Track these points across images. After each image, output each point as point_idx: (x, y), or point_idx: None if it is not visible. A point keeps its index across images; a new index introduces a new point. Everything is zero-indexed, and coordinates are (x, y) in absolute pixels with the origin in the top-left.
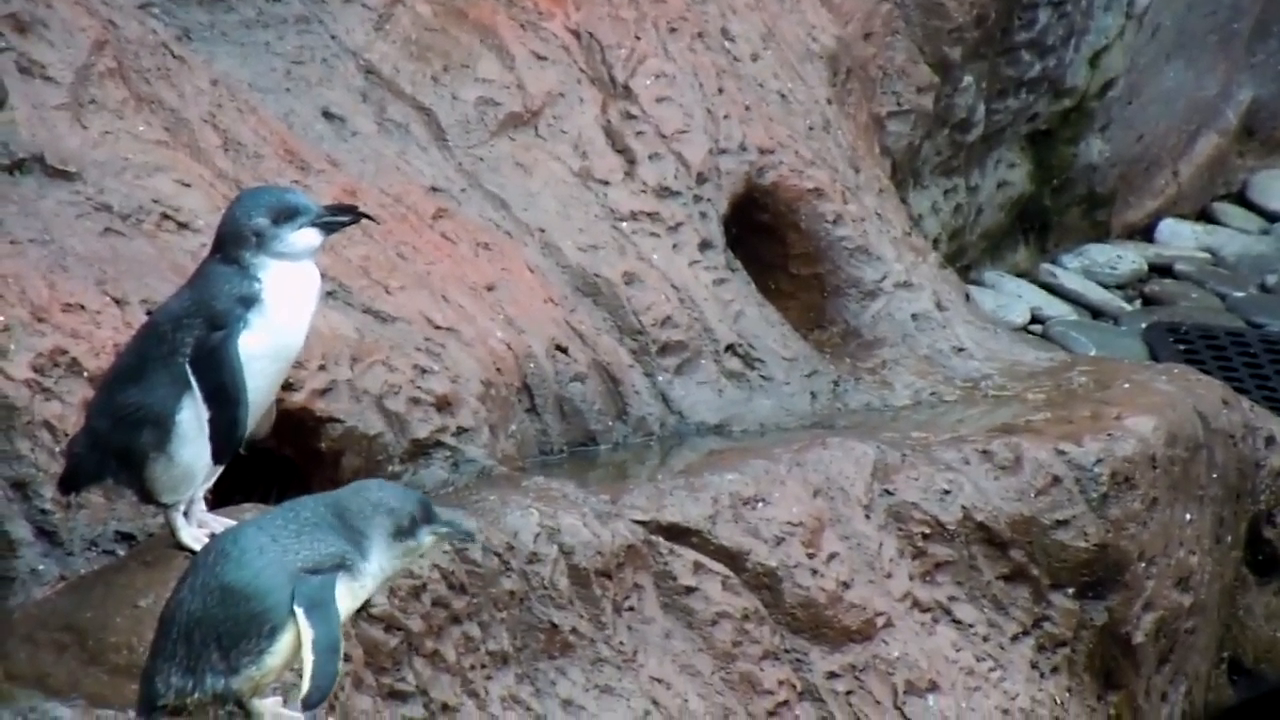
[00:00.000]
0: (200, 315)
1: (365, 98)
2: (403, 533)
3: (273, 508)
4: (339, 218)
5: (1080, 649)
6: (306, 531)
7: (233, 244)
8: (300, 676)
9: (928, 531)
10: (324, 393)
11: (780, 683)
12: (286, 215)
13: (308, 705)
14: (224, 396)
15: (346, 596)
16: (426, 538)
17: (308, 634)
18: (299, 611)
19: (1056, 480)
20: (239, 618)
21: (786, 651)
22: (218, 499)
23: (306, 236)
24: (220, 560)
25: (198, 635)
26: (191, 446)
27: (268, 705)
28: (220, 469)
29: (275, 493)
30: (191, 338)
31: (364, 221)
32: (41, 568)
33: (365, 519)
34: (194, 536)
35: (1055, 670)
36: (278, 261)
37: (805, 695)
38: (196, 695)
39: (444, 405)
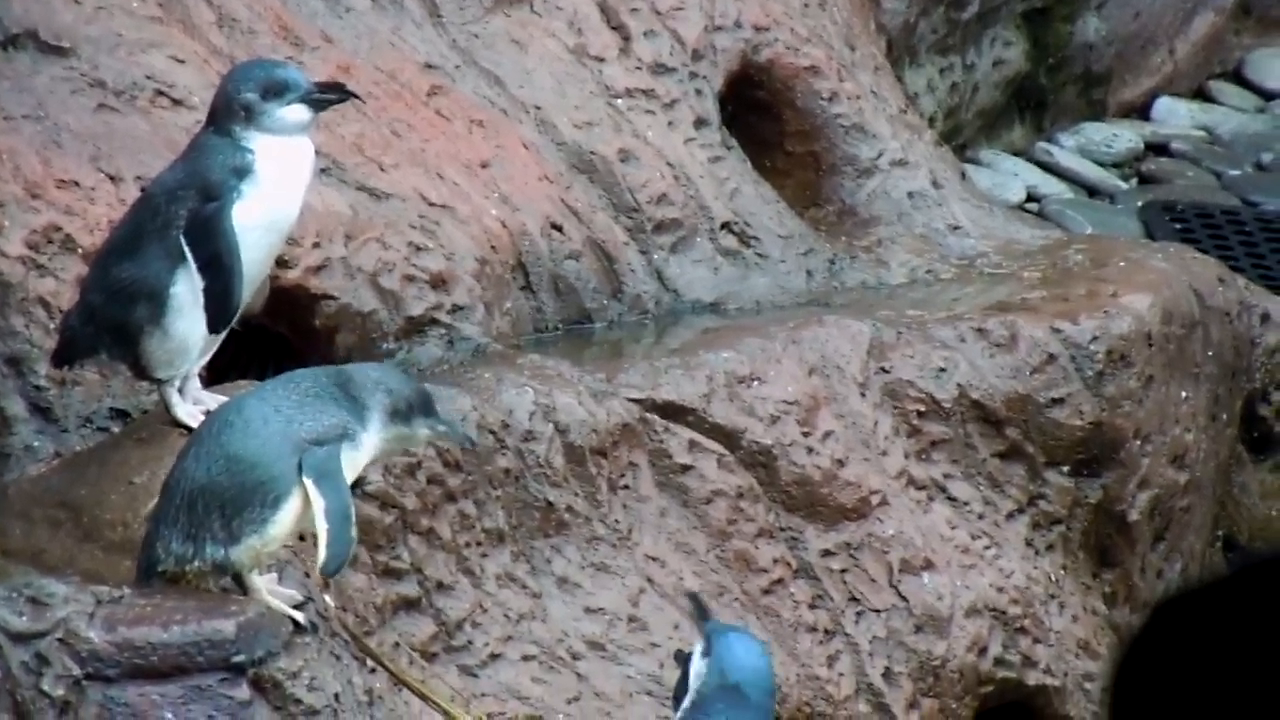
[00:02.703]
0: (194, 187)
1: None
2: (399, 415)
3: (270, 380)
4: (328, 95)
5: (1075, 527)
6: (309, 402)
7: (224, 117)
8: (298, 550)
9: (923, 409)
10: (318, 270)
11: (775, 561)
12: (276, 91)
13: (326, 573)
14: (218, 267)
15: (347, 467)
16: (422, 430)
17: (319, 503)
18: (309, 482)
19: (1052, 358)
20: (243, 486)
21: (781, 530)
22: (212, 377)
23: (295, 112)
24: (224, 429)
25: (201, 503)
26: (186, 320)
27: (263, 581)
28: (215, 344)
29: (270, 370)
30: (185, 210)
31: (357, 99)
32: (36, 444)
33: (367, 392)
34: (189, 413)
35: (1050, 548)
36: (268, 136)
37: (800, 573)
38: (196, 564)
39: (439, 283)
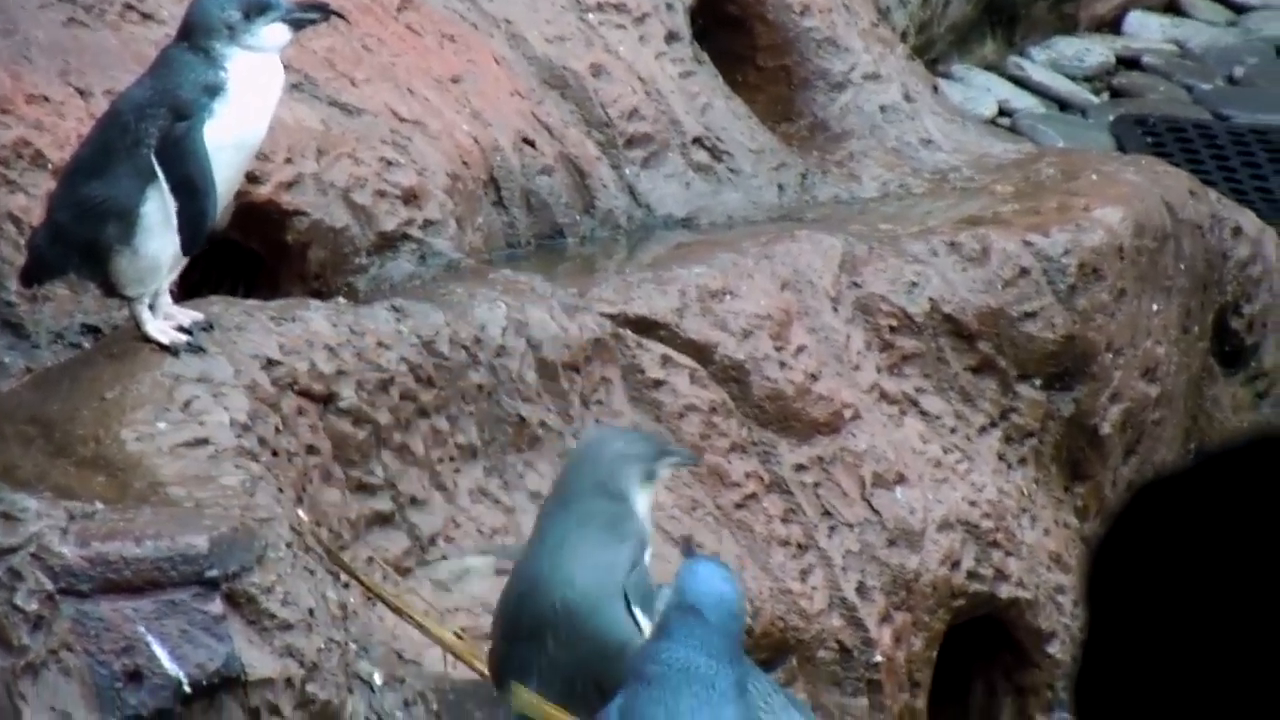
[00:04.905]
0: (164, 104)
1: None
2: (650, 476)
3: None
4: (309, 15)
5: (1047, 440)
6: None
7: (202, 34)
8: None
9: (895, 324)
10: (290, 186)
11: (748, 475)
12: (258, 9)
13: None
14: (191, 187)
15: (648, 563)
16: (666, 474)
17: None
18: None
19: (1024, 272)
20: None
21: (754, 444)
22: (184, 292)
23: (276, 31)
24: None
25: None
26: (156, 239)
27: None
28: (185, 260)
29: (241, 286)
30: (156, 128)
31: (340, 17)
32: (7, 360)
33: (624, 478)
34: (160, 329)
35: (1023, 462)
36: (245, 53)
37: (773, 488)
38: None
39: (410, 198)
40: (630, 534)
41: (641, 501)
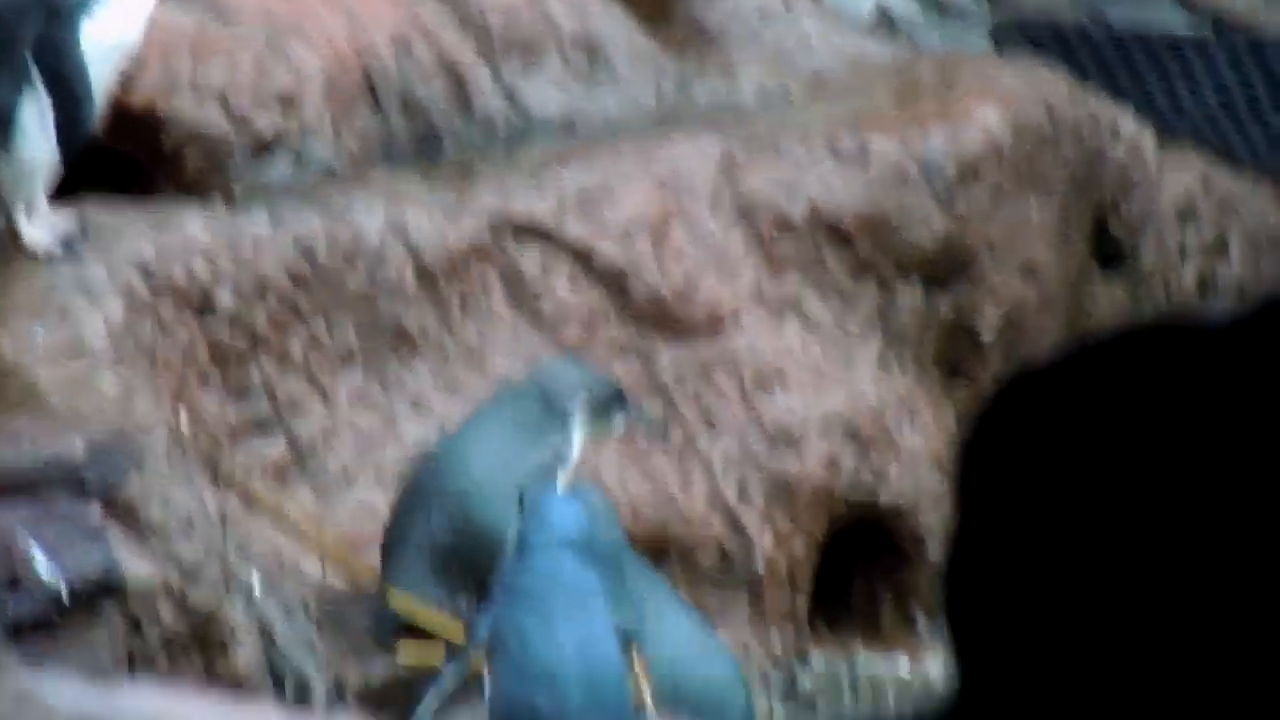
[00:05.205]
0: (40, 5)
1: None
2: (600, 414)
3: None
4: None
5: (927, 343)
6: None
7: None
8: None
9: (774, 227)
10: (165, 90)
11: (627, 378)
12: None
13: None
14: (68, 89)
15: (561, 483)
16: (619, 424)
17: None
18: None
19: (902, 174)
20: None
21: (634, 348)
22: (59, 198)
23: None
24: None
25: None
26: (33, 143)
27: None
28: (59, 166)
29: (117, 192)
30: (31, 30)
31: None
32: None
33: (568, 399)
34: (36, 234)
35: (903, 365)
36: None
37: (653, 391)
38: None
39: (287, 102)
40: (550, 445)
41: (579, 432)
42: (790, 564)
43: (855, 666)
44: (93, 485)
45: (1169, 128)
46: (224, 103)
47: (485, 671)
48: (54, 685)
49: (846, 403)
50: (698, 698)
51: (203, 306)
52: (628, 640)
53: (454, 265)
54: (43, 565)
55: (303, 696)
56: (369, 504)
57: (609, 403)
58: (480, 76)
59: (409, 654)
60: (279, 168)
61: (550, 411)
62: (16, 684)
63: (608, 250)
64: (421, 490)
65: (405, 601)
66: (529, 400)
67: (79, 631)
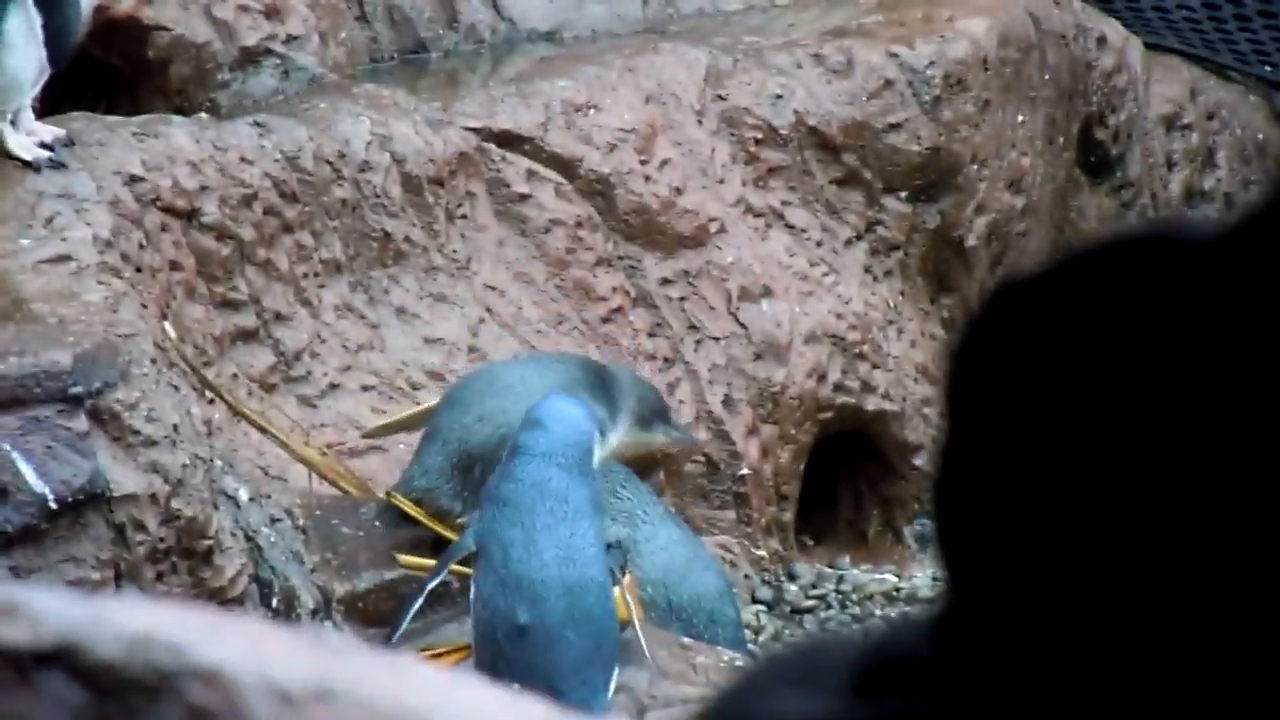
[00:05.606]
0: None
1: None
2: (644, 421)
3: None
4: None
5: (913, 252)
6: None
7: None
8: None
9: (760, 136)
10: (150, 0)
11: (614, 289)
12: None
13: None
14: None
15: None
16: (659, 436)
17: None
18: None
19: (889, 83)
20: None
21: (620, 258)
22: (45, 109)
23: None
24: None
25: None
26: (19, 54)
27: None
28: (46, 75)
29: (104, 102)
30: None
31: None
32: None
33: (624, 395)
34: (22, 145)
35: (888, 274)
36: None
37: (639, 301)
38: None
39: (273, 12)
40: (597, 415)
41: (622, 425)
42: (776, 474)
43: (842, 579)
44: (79, 394)
45: (1156, 36)
46: (209, 12)
47: (471, 581)
48: (40, 598)
49: (833, 312)
50: (687, 610)
51: (189, 216)
52: (619, 554)
53: (440, 176)
54: (29, 474)
55: (290, 607)
56: (355, 414)
57: (656, 414)
58: None
59: (406, 562)
60: (265, 78)
61: (606, 393)
62: (2, 596)
63: (593, 161)
64: (466, 393)
65: (405, 503)
66: (591, 374)
67: (65, 542)
